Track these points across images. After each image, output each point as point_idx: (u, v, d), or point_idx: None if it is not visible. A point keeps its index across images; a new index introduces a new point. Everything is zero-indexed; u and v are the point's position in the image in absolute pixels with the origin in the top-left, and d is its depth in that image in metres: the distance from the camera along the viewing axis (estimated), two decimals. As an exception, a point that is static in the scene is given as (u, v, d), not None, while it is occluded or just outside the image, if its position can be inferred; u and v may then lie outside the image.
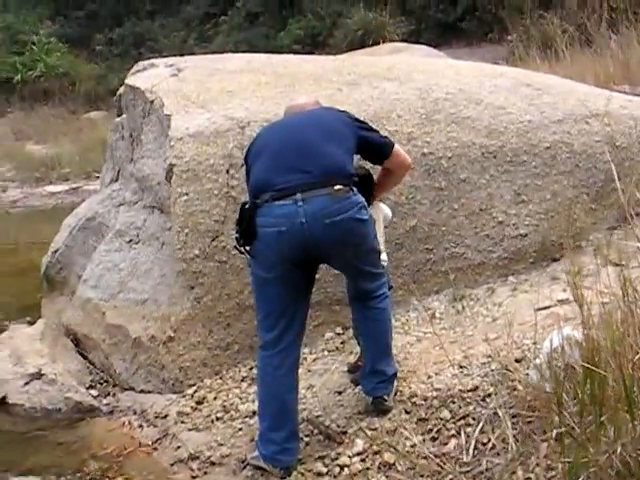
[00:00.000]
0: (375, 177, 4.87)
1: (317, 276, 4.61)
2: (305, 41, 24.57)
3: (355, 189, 4.21)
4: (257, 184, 4.23)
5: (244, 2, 28.98)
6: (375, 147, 4.59)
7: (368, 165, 4.91)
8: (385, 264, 4.72)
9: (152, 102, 6.13)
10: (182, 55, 8.23)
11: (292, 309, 4.28)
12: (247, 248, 4.22)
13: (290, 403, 4.31)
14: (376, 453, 4.14)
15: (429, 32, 22.52)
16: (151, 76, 6.70)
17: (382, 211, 4.94)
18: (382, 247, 4.69)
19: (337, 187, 4.08)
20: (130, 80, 6.86)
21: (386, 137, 4.76)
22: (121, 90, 7.08)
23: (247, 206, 4.19)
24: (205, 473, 4.60)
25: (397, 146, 4.73)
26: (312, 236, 4.03)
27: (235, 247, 4.35)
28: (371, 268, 4.41)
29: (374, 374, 4.48)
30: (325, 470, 4.20)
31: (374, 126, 5.06)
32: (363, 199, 4.26)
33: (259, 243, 4.13)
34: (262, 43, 24.29)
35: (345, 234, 4.12)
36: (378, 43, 19.28)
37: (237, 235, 4.23)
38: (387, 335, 4.55)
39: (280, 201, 4.06)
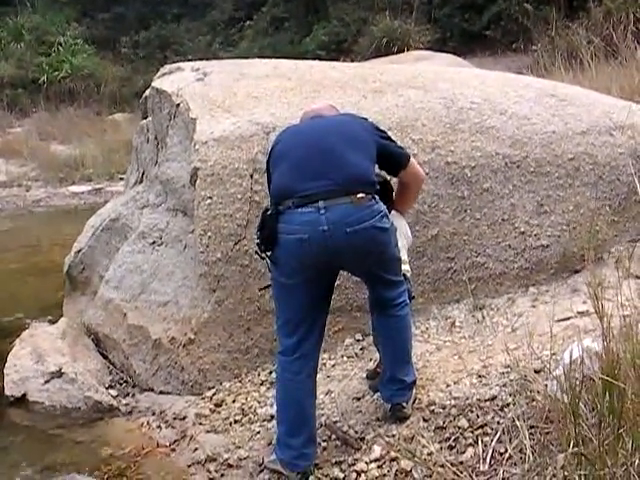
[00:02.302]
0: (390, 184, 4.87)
1: (338, 282, 4.63)
2: (330, 47, 24.57)
3: (377, 197, 4.22)
4: (279, 190, 4.22)
5: (269, 7, 29.06)
6: (393, 157, 4.59)
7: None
8: (408, 274, 4.73)
9: (178, 105, 6.16)
10: (207, 59, 8.27)
11: (312, 316, 4.28)
12: (268, 254, 4.23)
13: (308, 408, 4.31)
14: (393, 460, 4.14)
15: (454, 40, 22.47)
16: (177, 80, 6.73)
17: (404, 221, 4.94)
18: (405, 257, 4.70)
19: (360, 195, 4.08)
20: (156, 83, 6.89)
21: (403, 148, 4.78)
22: (147, 93, 7.10)
23: (269, 212, 4.17)
24: (222, 475, 4.62)
25: (412, 159, 4.75)
26: (334, 244, 4.03)
27: (256, 252, 4.36)
28: (392, 276, 4.41)
29: (393, 381, 4.49)
30: (342, 476, 4.21)
31: (398, 134, 5.07)
32: (385, 207, 4.26)
33: (280, 250, 4.13)
34: (287, 48, 24.35)
35: (366, 242, 4.12)
36: (403, 51, 19.26)
37: (258, 241, 4.24)
38: (407, 343, 4.55)
39: (302, 208, 4.05)
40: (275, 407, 4.47)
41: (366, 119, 4.72)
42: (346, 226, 4.02)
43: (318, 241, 4.02)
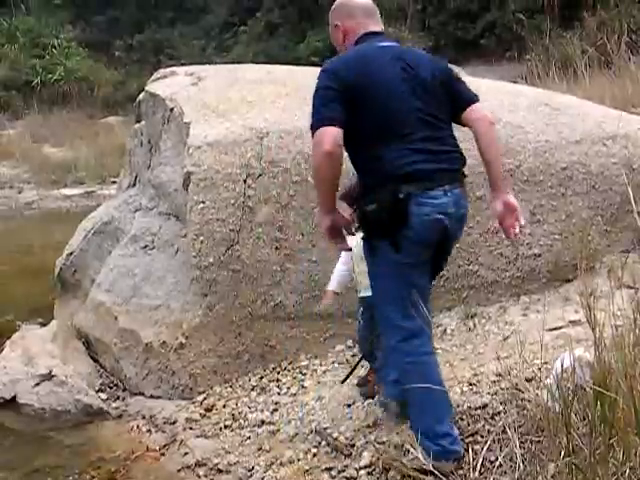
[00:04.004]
0: None
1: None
2: (324, 53, 24.43)
3: None
4: (397, 169, 3.98)
5: (264, 13, 29.06)
6: (464, 92, 4.37)
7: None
8: None
9: (172, 110, 6.15)
10: (201, 63, 8.28)
11: (427, 294, 4.20)
12: (388, 239, 4.00)
13: (445, 388, 4.12)
14: (383, 467, 4.13)
15: (448, 49, 22.44)
16: (171, 84, 6.73)
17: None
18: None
19: (465, 180, 4.14)
20: (150, 87, 6.89)
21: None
22: (141, 97, 7.11)
23: (402, 196, 3.94)
24: (212, 480, 4.62)
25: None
26: (451, 226, 3.99)
27: (369, 236, 4.13)
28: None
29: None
30: (332, 482, 4.21)
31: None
32: None
33: (409, 231, 3.94)
34: (281, 54, 24.33)
35: (462, 227, 4.20)
36: (397, 58, 19.25)
37: (381, 223, 4.01)
38: None
39: (433, 191, 3.95)
40: (410, 404, 4.12)
41: (440, 61, 4.49)
42: (459, 209, 4.04)
43: (443, 224, 3.96)
